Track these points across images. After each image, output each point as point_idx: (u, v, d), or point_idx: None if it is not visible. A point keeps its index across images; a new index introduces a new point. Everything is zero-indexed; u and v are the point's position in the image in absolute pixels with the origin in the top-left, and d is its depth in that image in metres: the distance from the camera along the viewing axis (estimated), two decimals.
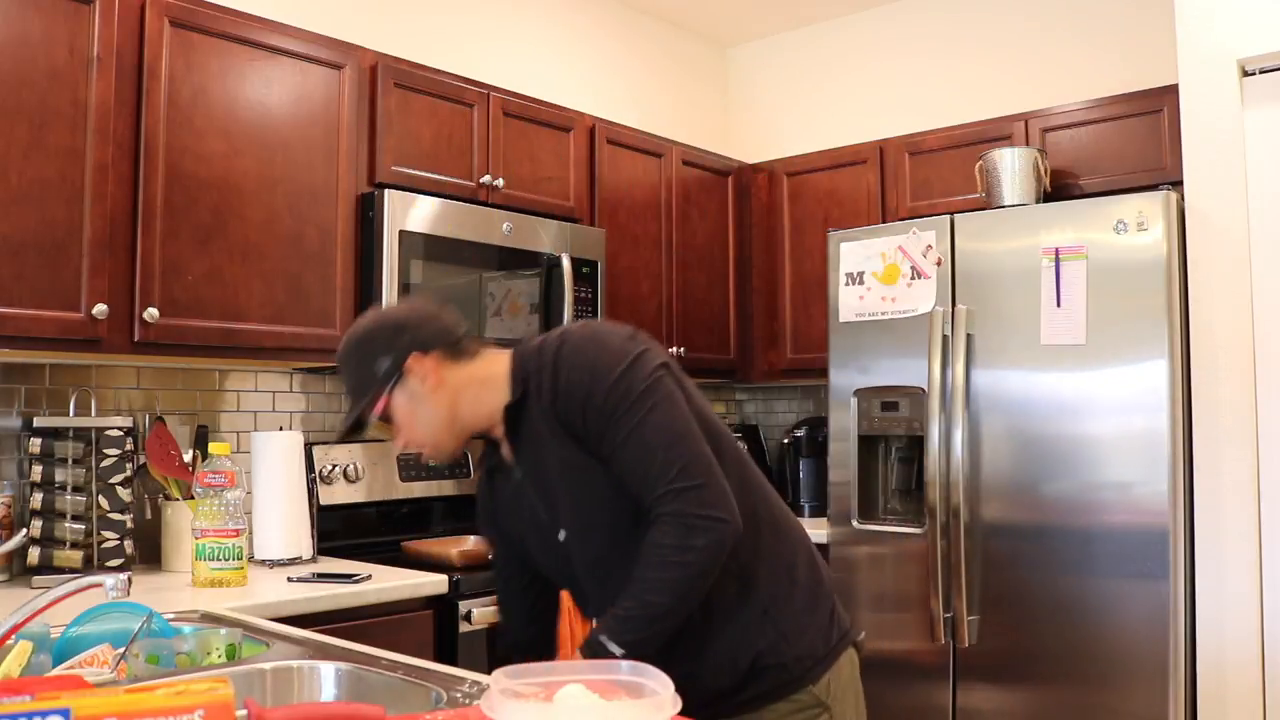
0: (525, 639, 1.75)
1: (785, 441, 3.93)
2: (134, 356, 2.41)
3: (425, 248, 2.76)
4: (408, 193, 2.76)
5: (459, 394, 1.57)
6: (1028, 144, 3.25)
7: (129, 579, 1.37)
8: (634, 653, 1.37)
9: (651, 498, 1.44)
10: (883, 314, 3.08)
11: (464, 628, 2.47)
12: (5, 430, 2.44)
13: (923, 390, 2.96)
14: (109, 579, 1.35)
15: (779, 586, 1.55)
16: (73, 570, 2.33)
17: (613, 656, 1.38)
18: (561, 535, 1.58)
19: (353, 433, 1.61)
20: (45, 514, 2.35)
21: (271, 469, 2.64)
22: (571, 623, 2.14)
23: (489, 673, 1.09)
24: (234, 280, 2.48)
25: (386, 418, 1.57)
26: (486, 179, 3.00)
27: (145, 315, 2.30)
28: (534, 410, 1.54)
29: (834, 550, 3.15)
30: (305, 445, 2.83)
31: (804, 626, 1.54)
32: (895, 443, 3.18)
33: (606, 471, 1.49)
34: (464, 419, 1.58)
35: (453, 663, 2.21)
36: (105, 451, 2.42)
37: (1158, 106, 3.07)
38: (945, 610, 2.87)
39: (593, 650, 1.42)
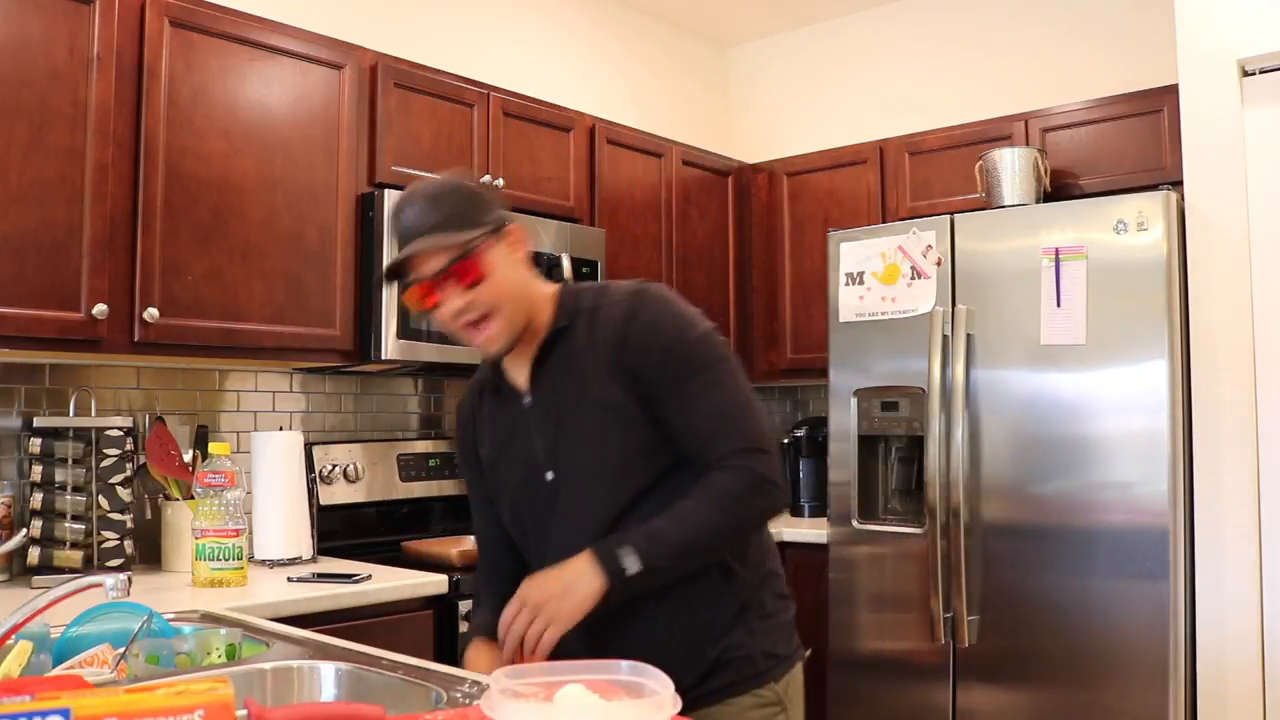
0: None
1: (785, 441, 3.93)
2: (134, 356, 2.41)
3: None
4: None
5: (530, 283, 1.54)
6: (1028, 144, 3.26)
7: (129, 579, 1.37)
8: (644, 579, 1.41)
9: (722, 450, 1.46)
10: (883, 314, 3.08)
11: (464, 628, 2.47)
12: (5, 430, 2.45)
13: (923, 390, 2.96)
14: (109, 579, 1.35)
15: (757, 591, 1.57)
16: (73, 570, 2.33)
17: (620, 568, 1.40)
18: (549, 475, 1.55)
19: (417, 270, 1.46)
20: (45, 514, 2.35)
21: (271, 469, 2.64)
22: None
23: (489, 672, 1.09)
24: (234, 280, 2.48)
25: (465, 273, 1.45)
26: (486, 179, 3.00)
27: (145, 315, 2.30)
28: (578, 342, 1.52)
29: (834, 550, 3.15)
30: (305, 445, 2.83)
31: (770, 628, 1.56)
32: (895, 443, 3.18)
33: (642, 423, 1.48)
34: (526, 309, 1.53)
35: (453, 663, 2.21)
36: (105, 451, 2.42)
37: (1158, 106, 3.07)
38: (945, 610, 2.87)
39: (606, 556, 1.41)
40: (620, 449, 1.50)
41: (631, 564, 1.40)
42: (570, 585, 1.41)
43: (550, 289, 1.58)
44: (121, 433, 2.45)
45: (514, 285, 1.50)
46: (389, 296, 2.68)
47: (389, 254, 2.69)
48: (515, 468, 1.59)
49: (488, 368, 1.64)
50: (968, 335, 2.90)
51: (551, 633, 1.39)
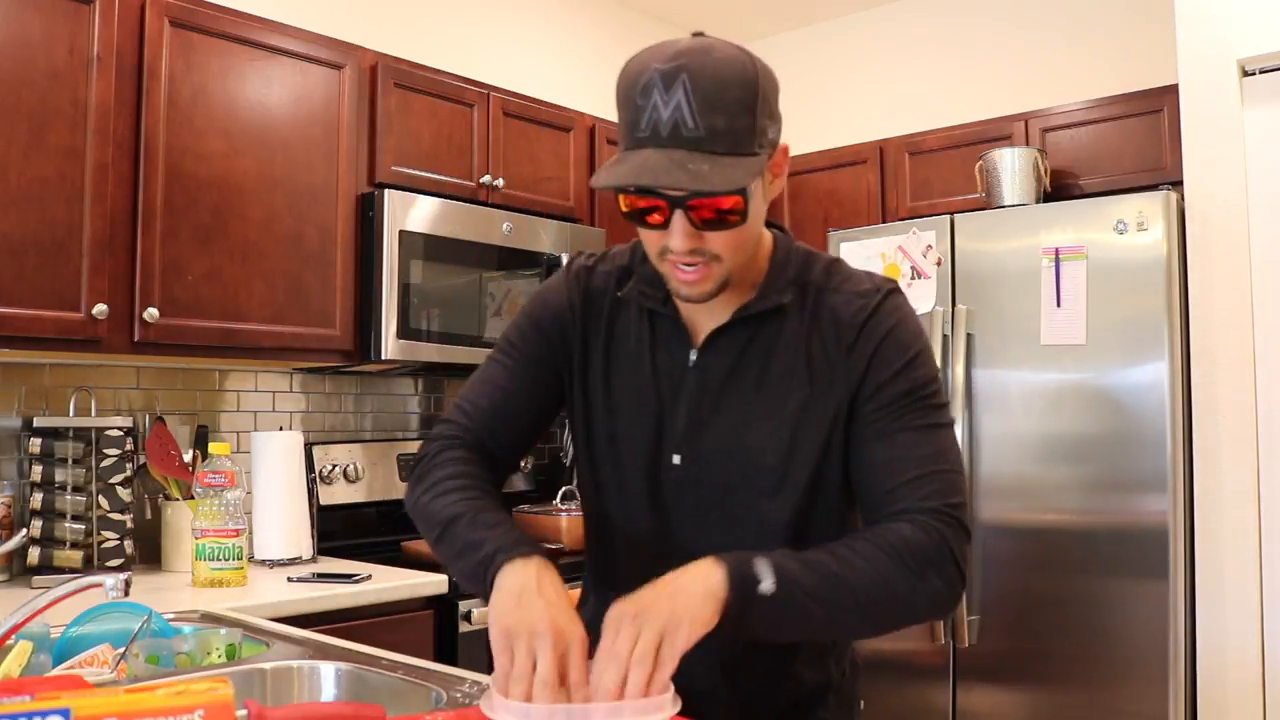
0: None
1: None
2: (134, 356, 2.41)
3: (425, 248, 2.76)
4: (408, 193, 2.76)
5: (763, 223, 1.20)
6: (1028, 144, 3.25)
7: (129, 579, 1.37)
8: (773, 612, 1.05)
9: (912, 503, 1.14)
10: None
11: (464, 628, 2.47)
12: (5, 430, 2.44)
13: None
14: (109, 579, 1.35)
15: (844, 665, 1.36)
16: (73, 570, 2.33)
17: (751, 578, 1.04)
18: (676, 459, 1.23)
19: (657, 193, 1.08)
20: (45, 514, 2.35)
21: (271, 469, 2.64)
22: None
23: (489, 673, 1.09)
24: (234, 280, 2.48)
25: (715, 212, 1.10)
26: (486, 179, 3.00)
27: (145, 315, 2.30)
28: (791, 324, 1.22)
29: None
30: (305, 445, 2.83)
31: (853, 708, 1.40)
32: None
33: (841, 450, 1.21)
34: (750, 260, 1.21)
35: (453, 663, 2.22)
36: (105, 451, 2.42)
37: (1158, 106, 3.07)
38: None
39: (735, 561, 1.05)
40: (803, 472, 1.20)
41: (766, 580, 1.04)
42: (678, 586, 1.03)
43: (767, 234, 1.26)
44: (121, 433, 2.45)
45: (754, 232, 1.17)
46: (388, 296, 2.68)
47: (389, 255, 2.69)
48: (636, 427, 1.26)
49: (649, 277, 1.26)
50: (968, 335, 2.90)
51: (670, 647, 0.98)
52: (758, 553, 1.08)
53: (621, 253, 1.34)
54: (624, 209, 1.15)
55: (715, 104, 1.05)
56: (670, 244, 1.13)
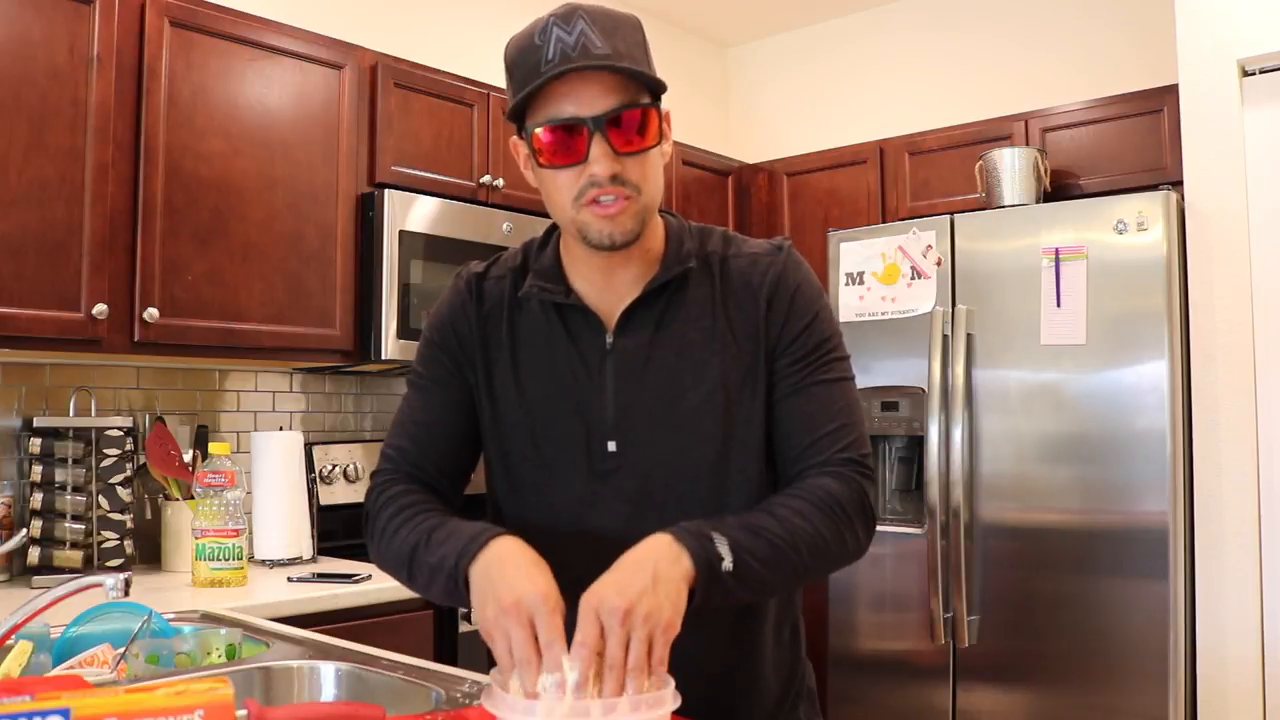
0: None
1: None
2: (134, 356, 2.41)
3: (425, 248, 2.76)
4: (408, 193, 2.76)
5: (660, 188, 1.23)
6: (1028, 144, 3.25)
7: (129, 579, 1.37)
8: (732, 585, 1.06)
9: (830, 455, 1.19)
10: (883, 314, 3.08)
11: (464, 628, 2.47)
12: (5, 430, 2.44)
13: (923, 390, 2.96)
14: (109, 579, 1.35)
15: (803, 664, 1.38)
16: (73, 570, 2.33)
17: (714, 555, 1.04)
18: (611, 446, 1.21)
19: (566, 106, 1.12)
20: (45, 514, 2.35)
21: (271, 469, 2.64)
22: None
23: (489, 672, 1.09)
24: (234, 280, 2.48)
25: (635, 130, 1.15)
26: (486, 179, 3.00)
27: (145, 315, 2.31)
28: (700, 292, 1.24)
29: None
30: (305, 445, 2.83)
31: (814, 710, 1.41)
32: (895, 443, 3.18)
33: (766, 411, 1.22)
34: (652, 221, 1.24)
35: (453, 663, 2.21)
36: (105, 451, 2.42)
37: (1158, 106, 3.07)
38: (945, 610, 2.87)
39: (692, 537, 1.05)
40: (738, 441, 1.21)
41: (726, 558, 1.05)
42: (658, 573, 1.00)
43: (659, 217, 1.30)
44: (121, 433, 2.45)
45: (661, 172, 1.20)
46: (388, 296, 2.68)
47: (389, 255, 2.69)
48: (560, 423, 1.23)
49: (546, 271, 1.28)
50: (968, 335, 2.90)
51: (663, 643, 0.98)
52: (709, 526, 1.08)
53: (511, 255, 1.34)
54: (541, 152, 1.16)
55: (614, 32, 1.12)
56: (593, 170, 1.13)
